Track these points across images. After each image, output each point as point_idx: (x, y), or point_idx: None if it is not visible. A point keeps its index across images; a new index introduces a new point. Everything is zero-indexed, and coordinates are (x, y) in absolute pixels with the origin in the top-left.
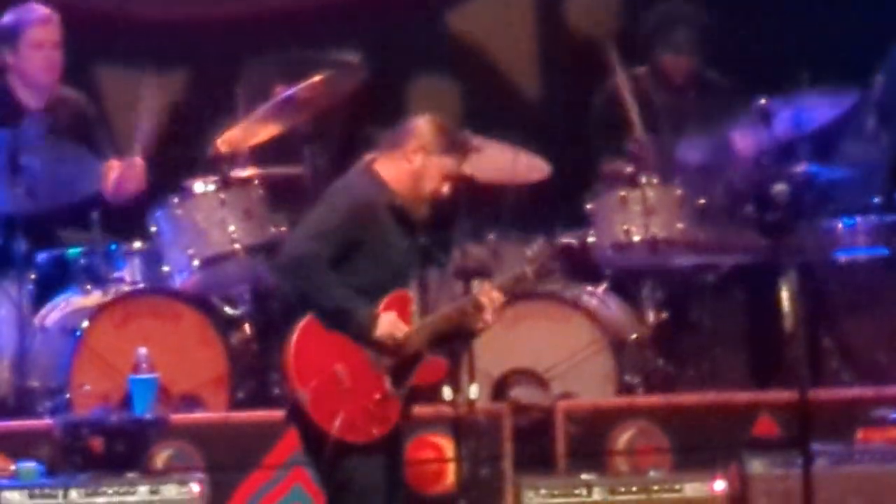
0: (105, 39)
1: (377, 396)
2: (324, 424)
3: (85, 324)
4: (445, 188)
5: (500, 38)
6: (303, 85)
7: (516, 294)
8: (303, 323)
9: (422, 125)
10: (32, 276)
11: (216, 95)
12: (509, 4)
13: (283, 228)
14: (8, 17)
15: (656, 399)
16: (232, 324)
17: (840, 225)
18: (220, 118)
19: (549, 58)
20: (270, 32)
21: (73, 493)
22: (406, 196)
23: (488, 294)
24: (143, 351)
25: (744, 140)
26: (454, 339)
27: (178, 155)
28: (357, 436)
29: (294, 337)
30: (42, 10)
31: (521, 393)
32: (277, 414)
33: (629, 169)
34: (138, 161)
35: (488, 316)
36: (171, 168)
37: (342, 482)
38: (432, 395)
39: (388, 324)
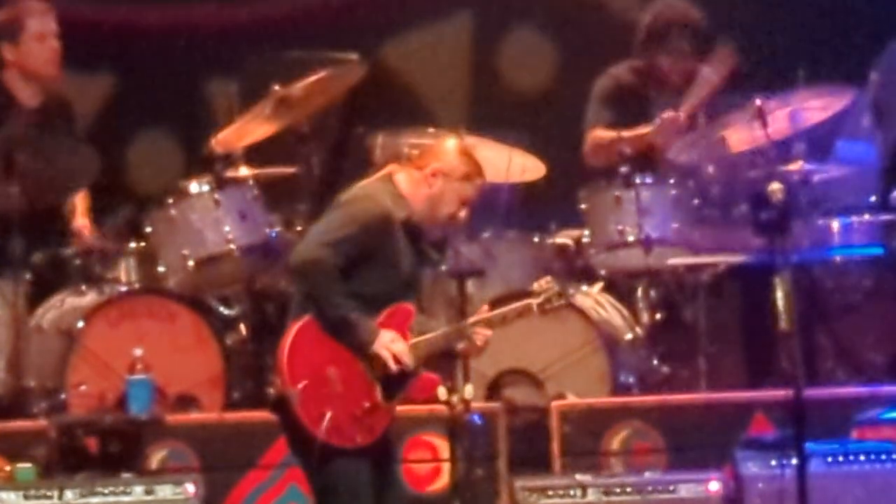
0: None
1: (366, 405)
2: (310, 424)
3: (80, 324)
4: (462, 213)
5: (431, 82)
6: (299, 84)
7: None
8: (301, 322)
9: (447, 149)
10: (28, 276)
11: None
12: (445, 50)
13: (277, 229)
14: (5, 12)
15: (651, 399)
16: (227, 324)
17: (835, 224)
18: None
19: (478, 112)
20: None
21: (69, 494)
22: (422, 216)
23: (482, 328)
24: (138, 351)
25: (738, 138)
26: (443, 356)
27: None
28: (342, 440)
29: (290, 335)
30: (40, 2)
31: (516, 393)
32: (273, 414)
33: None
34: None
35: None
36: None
37: (328, 485)
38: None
39: (388, 340)
